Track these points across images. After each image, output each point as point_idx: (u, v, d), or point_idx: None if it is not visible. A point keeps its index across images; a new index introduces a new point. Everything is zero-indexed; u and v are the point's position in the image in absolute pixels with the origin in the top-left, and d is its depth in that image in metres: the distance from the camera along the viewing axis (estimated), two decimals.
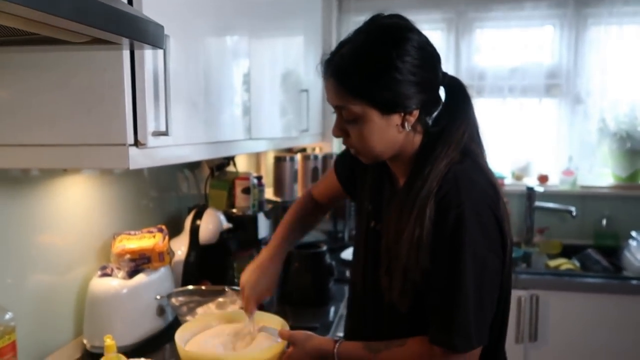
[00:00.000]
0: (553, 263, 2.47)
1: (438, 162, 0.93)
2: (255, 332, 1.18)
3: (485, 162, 0.99)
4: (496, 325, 0.99)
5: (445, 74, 0.99)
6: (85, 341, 1.35)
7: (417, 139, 0.98)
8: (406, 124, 0.94)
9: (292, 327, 1.21)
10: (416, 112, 0.94)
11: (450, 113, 0.99)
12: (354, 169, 1.20)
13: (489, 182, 0.95)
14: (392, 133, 0.95)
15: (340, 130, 0.98)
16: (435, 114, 1.00)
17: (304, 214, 1.34)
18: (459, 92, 1.00)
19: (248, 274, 1.23)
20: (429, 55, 0.95)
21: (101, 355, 1.09)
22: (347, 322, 1.24)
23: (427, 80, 0.94)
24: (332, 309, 1.72)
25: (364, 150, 0.98)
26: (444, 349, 0.92)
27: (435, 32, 2.81)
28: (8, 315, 0.99)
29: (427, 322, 0.95)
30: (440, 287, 0.91)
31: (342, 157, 1.26)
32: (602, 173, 2.75)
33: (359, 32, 0.95)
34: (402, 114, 0.93)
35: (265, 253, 1.26)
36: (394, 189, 1.05)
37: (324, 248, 1.82)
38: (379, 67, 0.90)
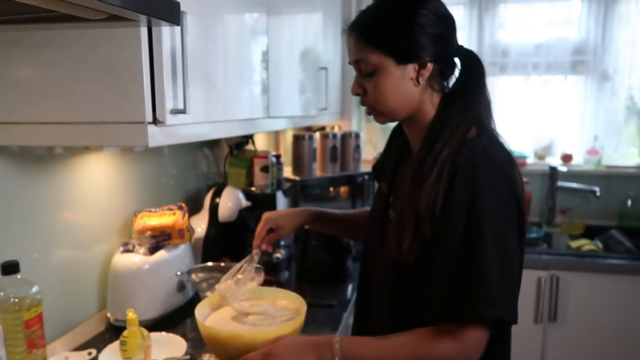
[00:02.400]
0: (575, 244, 2.44)
1: (458, 127, 0.94)
2: (252, 273, 1.22)
3: (502, 138, 0.99)
4: None
5: (460, 46, 1.01)
6: (108, 314, 1.39)
7: (435, 100, 1.00)
8: (420, 79, 0.96)
9: (310, 305, 1.22)
10: (430, 66, 0.96)
11: (465, 83, 1.01)
12: (383, 159, 1.20)
13: (506, 158, 0.94)
14: (407, 86, 0.97)
15: (359, 86, 1.00)
16: (451, 81, 1.02)
17: (358, 223, 1.32)
18: (474, 64, 1.01)
19: (275, 211, 1.28)
20: (445, 15, 0.98)
21: (124, 328, 1.13)
22: (356, 300, 1.23)
23: (442, 35, 0.97)
24: (350, 287, 1.73)
25: (380, 104, 0.99)
26: (458, 321, 0.88)
27: (457, 8, 2.74)
28: (34, 289, 1.02)
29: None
30: (460, 257, 0.88)
31: (380, 157, 1.25)
32: (628, 153, 2.68)
33: None
34: (417, 67, 0.96)
35: (304, 207, 1.30)
36: (409, 154, 1.06)
37: None
38: (396, 18, 0.95)
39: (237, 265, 1.24)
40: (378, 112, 1.01)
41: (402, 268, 0.97)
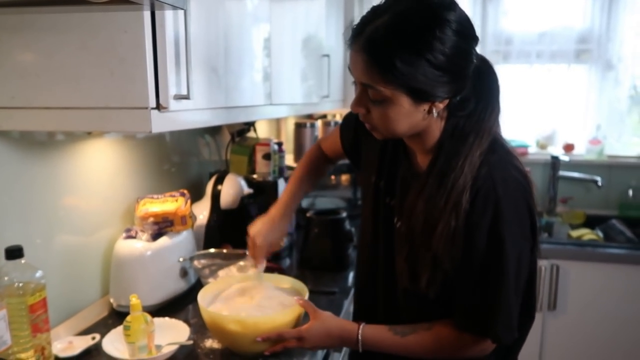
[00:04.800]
0: (575, 233, 2.44)
1: (473, 152, 0.90)
2: (261, 285, 1.23)
3: (510, 145, 0.97)
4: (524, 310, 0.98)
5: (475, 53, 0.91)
6: (111, 300, 1.40)
7: (442, 122, 0.94)
8: (434, 110, 0.89)
9: (311, 292, 1.23)
10: (446, 101, 0.89)
11: (478, 96, 0.92)
12: (359, 135, 1.17)
13: (519, 170, 0.93)
14: (417, 118, 0.90)
15: (362, 107, 0.91)
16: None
17: (314, 168, 1.35)
18: (488, 75, 0.94)
19: (259, 226, 1.26)
20: (469, 38, 0.87)
21: (127, 313, 1.13)
22: (356, 300, 1.24)
23: (463, 67, 0.87)
24: (351, 275, 1.74)
25: (385, 130, 0.93)
26: (482, 337, 0.93)
27: None
28: (38, 273, 1.02)
29: (447, 306, 0.96)
30: (480, 280, 0.91)
31: (348, 119, 1.24)
32: (630, 142, 2.68)
33: (395, 2, 0.85)
34: (433, 102, 0.88)
35: (275, 209, 1.29)
36: (412, 167, 1.02)
37: (344, 214, 1.83)
38: (418, 51, 0.82)
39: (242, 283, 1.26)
40: (381, 133, 0.95)
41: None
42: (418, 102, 0.87)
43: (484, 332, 0.93)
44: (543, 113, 2.74)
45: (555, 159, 2.60)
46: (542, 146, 2.78)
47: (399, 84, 0.84)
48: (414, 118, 0.90)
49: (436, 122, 0.94)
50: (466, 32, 0.86)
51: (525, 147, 2.73)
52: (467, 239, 0.89)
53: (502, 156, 0.93)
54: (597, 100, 2.65)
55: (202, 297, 1.20)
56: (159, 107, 0.95)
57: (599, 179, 2.51)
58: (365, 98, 0.90)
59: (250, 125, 2.17)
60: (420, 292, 0.94)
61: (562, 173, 2.61)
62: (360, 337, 1.01)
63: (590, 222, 2.58)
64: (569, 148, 2.72)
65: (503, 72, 2.69)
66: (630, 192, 2.62)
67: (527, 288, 0.97)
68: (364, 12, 0.89)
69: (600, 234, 2.45)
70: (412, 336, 0.98)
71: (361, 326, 1.03)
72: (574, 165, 2.64)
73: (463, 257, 0.90)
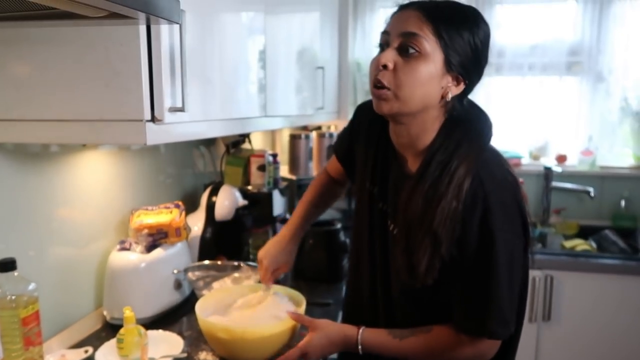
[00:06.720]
0: (569, 244, 2.46)
1: (473, 148, 0.94)
2: (268, 297, 1.23)
3: (494, 146, 1.01)
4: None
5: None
6: (105, 312, 1.39)
7: (439, 124, 0.97)
8: (449, 93, 0.93)
9: (306, 303, 1.22)
10: (462, 87, 0.95)
11: (469, 104, 1.00)
12: (353, 147, 1.19)
13: (506, 169, 0.97)
14: (433, 91, 0.92)
15: (391, 61, 0.91)
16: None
17: (322, 191, 1.36)
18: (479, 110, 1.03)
19: (267, 248, 1.28)
20: (487, 52, 0.97)
21: (120, 326, 1.13)
22: (348, 307, 1.25)
23: (483, 61, 0.96)
24: (345, 286, 1.73)
25: (403, 87, 0.91)
26: (475, 336, 0.94)
27: None
28: (31, 286, 1.02)
29: (444, 310, 0.97)
30: (473, 276, 0.93)
31: (343, 134, 1.27)
32: (622, 153, 2.70)
33: None
34: (454, 81, 0.94)
35: (285, 231, 1.30)
36: (404, 171, 1.03)
37: (338, 226, 1.83)
38: (462, 27, 0.91)
39: (253, 295, 1.25)
40: (394, 95, 0.92)
41: (414, 289, 0.97)
42: (446, 69, 0.92)
43: (479, 330, 0.94)
44: (535, 124, 2.76)
45: (548, 169, 2.62)
46: (535, 157, 2.80)
47: (446, 43, 0.90)
48: (432, 89, 0.92)
49: (434, 123, 0.97)
50: (487, 45, 0.96)
51: (519, 158, 2.75)
52: (461, 236, 0.91)
53: (490, 155, 0.97)
54: (589, 111, 2.68)
55: (200, 307, 1.19)
56: (154, 119, 0.96)
57: (591, 189, 2.53)
58: (395, 53, 0.92)
59: (245, 136, 2.18)
60: (419, 283, 0.93)
61: (555, 184, 2.63)
62: (359, 340, 1.03)
63: (584, 232, 2.59)
64: (561, 159, 2.74)
65: (496, 84, 2.75)
66: (623, 203, 2.64)
67: (519, 292, 0.98)
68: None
69: (594, 245, 2.46)
70: (410, 338, 1.00)
71: (360, 330, 1.04)
72: (566, 176, 2.66)
73: (455, 254, 0.92)
